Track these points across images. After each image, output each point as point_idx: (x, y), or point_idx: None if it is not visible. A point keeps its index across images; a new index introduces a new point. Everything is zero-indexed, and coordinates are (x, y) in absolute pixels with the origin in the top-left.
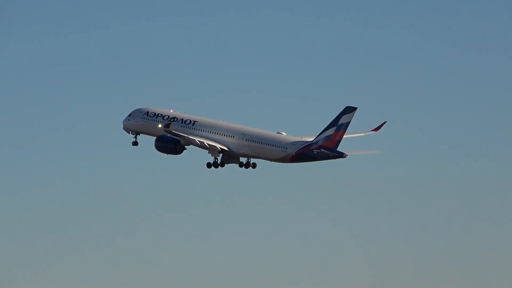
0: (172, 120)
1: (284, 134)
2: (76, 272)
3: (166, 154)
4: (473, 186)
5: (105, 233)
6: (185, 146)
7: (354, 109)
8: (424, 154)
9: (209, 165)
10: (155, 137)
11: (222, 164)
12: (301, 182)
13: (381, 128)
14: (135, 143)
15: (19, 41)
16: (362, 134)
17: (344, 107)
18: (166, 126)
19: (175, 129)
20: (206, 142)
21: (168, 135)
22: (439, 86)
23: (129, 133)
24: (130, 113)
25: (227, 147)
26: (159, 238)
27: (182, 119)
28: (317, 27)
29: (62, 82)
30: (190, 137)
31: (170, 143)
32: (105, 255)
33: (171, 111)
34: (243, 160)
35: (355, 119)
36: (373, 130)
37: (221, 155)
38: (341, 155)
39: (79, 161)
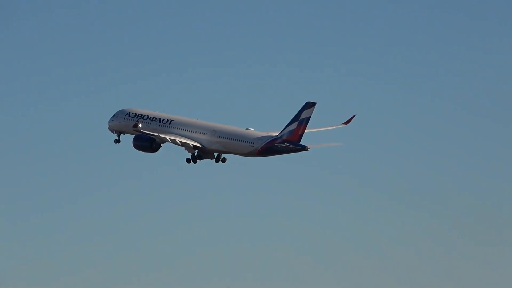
0: (139, 119)
1: (253, 130)
2: (63, 272)
3: (143, 152)
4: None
5: (92, 231)
6: (161, 144)
7: (314, 104)
8: (392, 148)
9: (188, 160)
10: (133, 136)
11: (198, 159)
12: (267, 174)
13: (351, 121)
14: (117, 141)
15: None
16: (333, 127)
17: (304, 103)
18: (134, 126)
19: (144, 128)
20: (178, 139)
21: (144, 134)
22: (413, 81)
23: (113, 132)
24: (114, 114)
25: (200, 144)
26: (147, 233)
27: (160, 119)
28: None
29: (50, 81)
30: (160, 135)
31: (146, 142)
32: (93, 254)
33: (151, 111)
34: (215, 155)
35: (328, 113)
36: (343, 123)
37: (196, 151)
38: (304, 148)
39: (64, 158)
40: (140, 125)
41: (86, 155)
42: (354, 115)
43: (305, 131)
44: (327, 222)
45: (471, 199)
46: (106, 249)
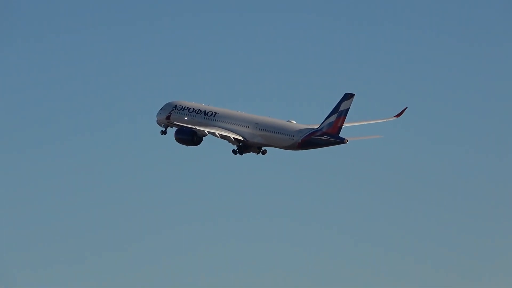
0: (172, 110)
1: (294, 122)
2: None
3: (185, 146)
4: (478, 182)
5: (142, 219)
6: (203, 138)
7: (352, 95)
8: (440, 143)
9: (234, 152)
10: (175, 130)
11: (242, 152)
12: (306, 168)
13: (403, 114)
14: (163, 132)
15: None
16: (384, 120)
17: (343, 94)
18: (167, 117)
19: (175, 119)
20: (217, 132)
21: (186, 127)
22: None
23: (161, 126)
24: (162, 107)
25: (242, 137)
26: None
27: (205, 111)
28: (325, 21)
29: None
30: (197, 128)
31: (187, 135)
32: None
33: (197, 104)
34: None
35: (378, 106)
36: (395, 116)
37: (240, 144)
38: (342, 140)
39: (109, 151)
40: (172, 116)
41: (129, 147)
42: (406, 108)
43: (355, 123)
44: (362, 217)
45: None
46: (151, 243)
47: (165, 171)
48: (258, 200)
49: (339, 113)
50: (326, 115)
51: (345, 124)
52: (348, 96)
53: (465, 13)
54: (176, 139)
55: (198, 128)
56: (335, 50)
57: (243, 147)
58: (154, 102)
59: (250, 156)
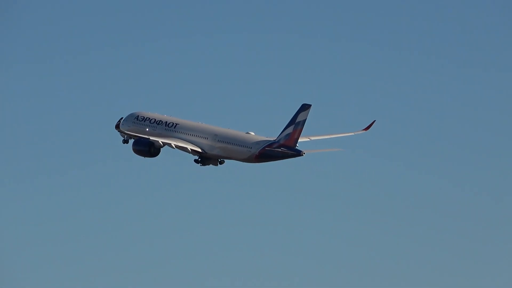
0: (120, 119)
1: (253, 134)
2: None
3: (143, 157)
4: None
5: (99, 232)
6: (161, 149)
7: (309, 106)
8: (403, 155)
9: (196, 161)
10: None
11: (203, 163)
12: (263, 180)
13: (371, 127)
14: (125, 142)
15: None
16: (352, 134)
17: (300, 105)
18: (116, 126)
19: (126, 129)
20: (173, 143)
21: (144, 138)
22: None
23: (124, 136)
24: (124, 118)
25: (201, 148)
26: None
27: (166, 122)
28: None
29: (59, 85)
30: (150, 138)
31: (144, 146)
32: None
33: (159, 115)
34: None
35: (347, 118)
36: (363, 130)
37: (199, 156)
38: (299, 153)
39: (69, 160)
40: (123, 126)
41: (88, 157)
42: (374, 121)
43: (324, 137)
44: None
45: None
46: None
47: (121, 182)
48: (216, 211)
49: (296, 124)
50: (284, 127)
51: (312, 138)
52: (305, 107)
53: (430, 21)
54: (133, 151)
55: (152, 138)
56: (300, 61)
57: (203, 159)
58: (118, 112)
59: (208, 168)
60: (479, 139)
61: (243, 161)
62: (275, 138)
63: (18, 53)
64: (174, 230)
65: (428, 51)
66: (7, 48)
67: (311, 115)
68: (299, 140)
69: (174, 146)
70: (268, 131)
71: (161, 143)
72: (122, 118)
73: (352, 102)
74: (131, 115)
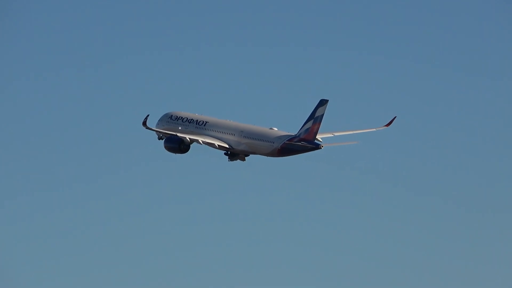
0: (147, 116)
1: (276, 129)
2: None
3: (174, 154)
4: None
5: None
6: (190, 146)
7: (326, 101)
8: (423, 151)
9: (226, 153)
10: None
11: (231, 158)
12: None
13: (392, 123)
14: (160, 138)
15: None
16: (374, 130)
17: (319, 100)
18: (143, 123)
19: (160, 128)
20: (200, 140)
21: (176, 136)
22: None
23: (159, 135)
24: (160, 118)
25: (228, 144)
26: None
27: (197, 121)
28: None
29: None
30: (178, 134)
31: (174, 143)
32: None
33: (191, 114)
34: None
35: (369, 114)
36: (385, 126)
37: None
38: (318, 146)
39: (106, 158)
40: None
41: (122, 155)
42: (395, 117)
43: (347, 133)
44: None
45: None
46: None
47: (152, 177)
48: (243, 205)
49: (315, 119)
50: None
51: (336, 133)
52: (323, 102)
53: (453, 19)
54: (165, 148)
55: (179, 135)
56: (321, 58)
57: (231, 154)
58: (154, 111)
59: (235, 163)
60: (501, 133)
61: (266, 156)
62: (295, 133)
63: (57, 56)
64: (207, 221)
65: (452, 47)
66: (54, 52)
67: (334, 111)
68: (322, 136)
69: (201, 142)
70: (290, 126)
71: (188, 139)
72: (148, 115)
73: (373, 98)
74: (165, 115)
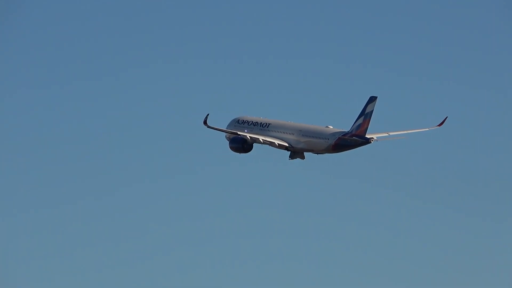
0: (207, 115)
1: (331, 127)
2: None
3: (238, 153)
4: None
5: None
6: (253, 145)
7: (375, 98)
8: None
9: (287, 149)
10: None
11: (290, 158)
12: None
13: (444, 123)
14: (228, 138)
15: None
16: (427, 129)
17: (368, 97)
18: (204, 122)
19: (248, 132)
20: (261, 138)
21: (237, 136)
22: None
23: (227, 136)
24: (229, 123)
25: (287, 143)
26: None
27: (261, 123)
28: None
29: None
30: (239, 133)
31: (238, 143)
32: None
33: (257, 117)
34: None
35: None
36: (437, 126)
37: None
38: (368, 140)
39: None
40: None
41: (193, 156)
42: (447, 117)
43: (401, 132)
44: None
45: None
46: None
47: (217, 175)
48: (305, 200)
49: (365, 115)
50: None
51: (391, 133)
52: (372, 99)
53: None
54: (230, 148)
55: (240, 133)
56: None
57: (291, 153)
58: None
59: (296, 161)
60: None
61: (322, 152)
62: (348, 129)
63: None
64: (271, 218)
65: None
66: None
67: (387, 112)
68: (378, 135)
69: (261, 140)
70: (345, 124)
71: (248, 137)
72: (208, 114)
73: (425, 98)
74: (233, 120)
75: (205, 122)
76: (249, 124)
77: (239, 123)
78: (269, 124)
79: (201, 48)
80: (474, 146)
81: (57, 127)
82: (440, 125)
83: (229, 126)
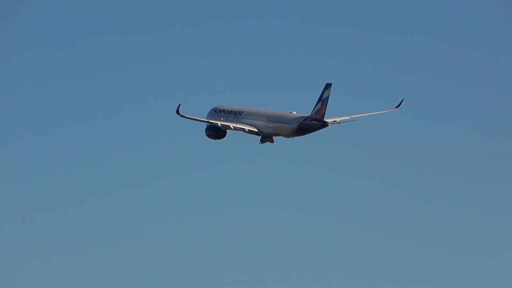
0: (179, 105)
1: (295, 113)
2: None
3: (214, 140)
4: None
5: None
6: (226, 131)
7: (330, 84)
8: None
9: (257, 134)
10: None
11: (260, 142)
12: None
13: (401, 105)
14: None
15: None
16: (385, 112)
17: (324, 84)
18: (177, 112)
19: (224, 121)
20: (232, 125)
21: (211, 124)
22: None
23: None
24: (208, 112)
25: (256, 129)
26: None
27: (235, 111)
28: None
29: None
30: (210, 120)
31: (212, 130)
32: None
33: (233, 106)
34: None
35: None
36: (395, 107)
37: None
38: (325, 124)
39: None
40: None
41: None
42: (403, 99)
43: (362, 115)
44: None
45: None
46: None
47: (194, 161)
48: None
49: (322, 101)
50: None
51: (353, 116)
52: (328, 86)
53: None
54: (206, 135)
55: (211, 121)
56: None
57: (262, 137)
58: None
59: (265, 145)
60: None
61: (286, 136)
62: (309, 114)
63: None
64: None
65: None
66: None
67: (349, 96)
68: (341, 118)
69: (232, 127)
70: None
71: (219, 125)
72: (180, 104)
73: (382, 81)
74: (212, 109)
75: (177, 112)
76: (225, 112)
77: (216, 112)
78: (241, 112)
79: (197, 46)
80: (430, 126)
81: (55, 127)
82: (397, 107)
83: (208, 115)
